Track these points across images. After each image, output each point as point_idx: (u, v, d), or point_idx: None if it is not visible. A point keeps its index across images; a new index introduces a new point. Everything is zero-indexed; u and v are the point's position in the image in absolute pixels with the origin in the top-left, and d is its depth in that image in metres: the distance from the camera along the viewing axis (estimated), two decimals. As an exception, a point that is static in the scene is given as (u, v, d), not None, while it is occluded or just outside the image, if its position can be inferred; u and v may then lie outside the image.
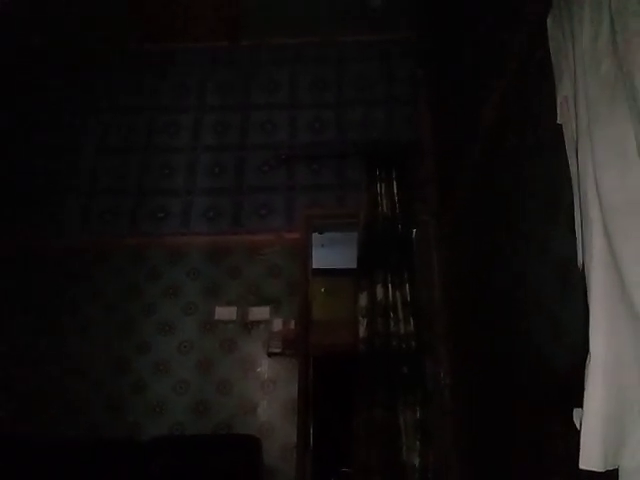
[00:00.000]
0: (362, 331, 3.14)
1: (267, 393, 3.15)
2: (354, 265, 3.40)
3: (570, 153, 1.37)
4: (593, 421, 1.07)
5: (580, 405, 1.14)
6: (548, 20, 1.55)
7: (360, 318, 3.17)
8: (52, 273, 3.50)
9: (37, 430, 3.02)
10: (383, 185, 3.41)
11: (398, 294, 3.16)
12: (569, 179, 1.37)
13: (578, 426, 1.17)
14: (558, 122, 1.45)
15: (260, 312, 3.31)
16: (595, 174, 1.10)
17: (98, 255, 3.53)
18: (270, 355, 3.20)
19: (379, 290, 3.17)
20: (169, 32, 4.07)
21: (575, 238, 1.32)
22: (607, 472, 1.05)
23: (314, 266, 3.61)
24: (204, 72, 4.12)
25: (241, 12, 3.87)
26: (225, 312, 3.32)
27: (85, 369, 3.22)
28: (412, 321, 3.12)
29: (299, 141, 3.82)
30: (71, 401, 3.15)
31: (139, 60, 4.20)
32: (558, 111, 1.45)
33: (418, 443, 2.88)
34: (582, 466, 1.05)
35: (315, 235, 3.76)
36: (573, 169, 1.31)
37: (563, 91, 1.41)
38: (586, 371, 1.09)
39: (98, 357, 3.25)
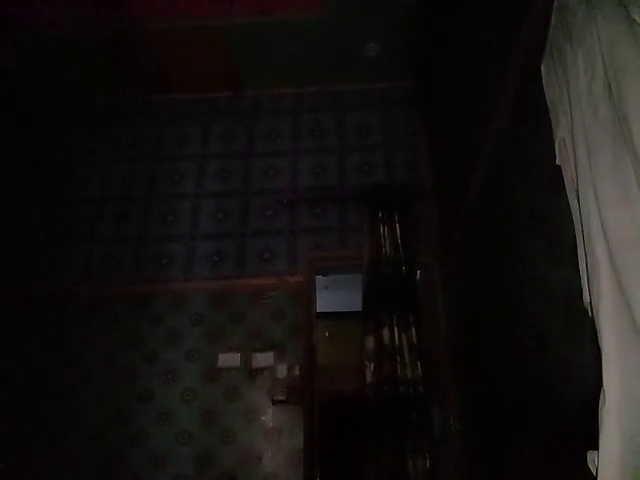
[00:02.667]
0: (369, 376, 3.07)
1: (272, 442, 3.06)
2: (358, 308, 3.38)
3: (570, 193, 1.38)
4: (609, 466, 1.04)
5: (593, 445, 1.10)
6: (542, 66, 1.60)
7: (367, 362, 3.11)
8: (52, 321, 3.47)
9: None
10: (385, 227, 3.43)
11: (404, 337, 3.11)
12: (570, 219, 1.38)
13: (593, 470, 1.14)
14: (557, 163, 1.47)
15: (264, 358, 3.27)
16: (600, 213, 1.11)
17: (100, 303, 3.52)
18: (274, 403, 3.13)
19: (386, 333, 3.12)
20: (172, 83, 4.21)
21: (579, 277, 1.31)
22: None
23: (318, 309, 3.59)
24: (206, 121, 4.23)
25: (240, 64, 4.01)
26: (228, 359, 3.27)
27: (84, 420, 3.15)
28: (419, 365, 3.06)
29: (301, 186, 3.88)
30: (70, 453, 3.07)
31: (142, 110, 4.32)
32: (557, 153, 1.47)
33: (429, 492, 2.78)
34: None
35: (318, 278, 3.75)
36: (574, 209, 1.33)
37: (561, 133, 1.44)
38: (600, 414, 1.06)
39: (97, 407, 3.19)
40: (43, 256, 3.74)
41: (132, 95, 4.30)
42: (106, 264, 3.69)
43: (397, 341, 3.11)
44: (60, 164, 4.14)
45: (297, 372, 3.20)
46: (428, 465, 2.83)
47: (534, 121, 1.79)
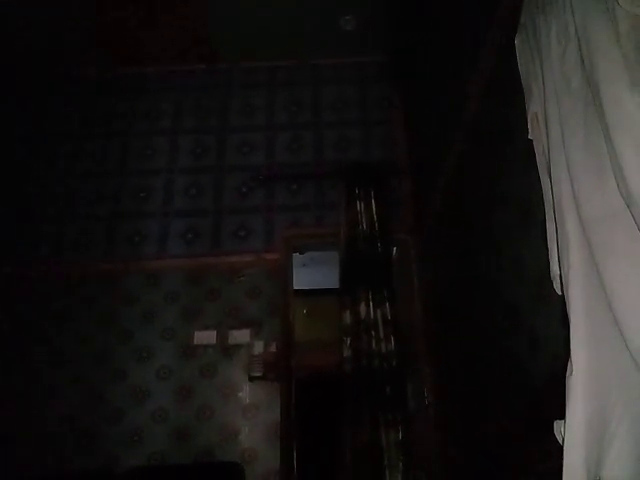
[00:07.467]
0: (346, 350, 3.09)
1: (249, 418, 3.08)
2: (335, 285, 3.38)
3: (541, 168, 1.39)
4: (575, 434, 1.06)
5: (559, 416, 1.13)
6: (516, 40, 1.59)
7: (344, 337, 3.13)
8: (24, 300, 3.39)
9: (10, 463, 2.92)
10: (362, 204, 3.41)
11: (379, 312, 3.13)
12: (541, 193, 1.39)
13: (559, 439, 1.17)
14: (529, 137, 1.48)
15: (240, 335, 3.26)
16: (572, 187, 1.11)
17: (72, 281, 3.44)
18: (251, 379, 3.14)
19: (362, 308, 3.13)
20: (142, 56, 4.07)
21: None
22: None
23: (295, 287, 3.58)
24: (179, 95, 4.12)
25: (213, 35, 3.88)
26: (204, 336, 3.26)
27: (58, 399, 3.11)
28: (393, 340, 3.09)
29: (277, 162, 3.83)
30: (45, 433, 3.03)
31: (112, 84, 4.18)
32: (529, 127, 1.48)
33: (401, 464, 2.84)
34: (566, 478, 1.04)
35: (296, 255, 3.74)
36: (545, 183, 1.33)
37: (533, 107, 1.44)
38: (567, 384, 1.08)
39: (72, 387, 3.14)
40: (13, 234, 3.63)
41: (103, 68, 4.14)
42: (78, 242, 3.60)
43: (372, 315, 3.12)
44: (31, 139, 4.00)
45: (274, 348, 3.20)
46: (400, 437, 2.88)
47: (508, 97, 1.79)
